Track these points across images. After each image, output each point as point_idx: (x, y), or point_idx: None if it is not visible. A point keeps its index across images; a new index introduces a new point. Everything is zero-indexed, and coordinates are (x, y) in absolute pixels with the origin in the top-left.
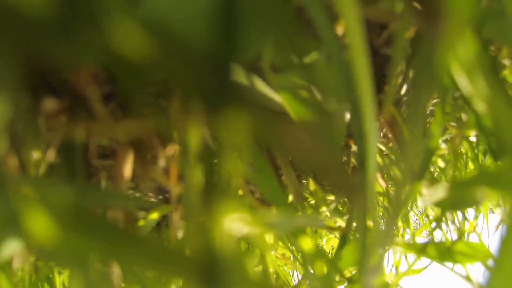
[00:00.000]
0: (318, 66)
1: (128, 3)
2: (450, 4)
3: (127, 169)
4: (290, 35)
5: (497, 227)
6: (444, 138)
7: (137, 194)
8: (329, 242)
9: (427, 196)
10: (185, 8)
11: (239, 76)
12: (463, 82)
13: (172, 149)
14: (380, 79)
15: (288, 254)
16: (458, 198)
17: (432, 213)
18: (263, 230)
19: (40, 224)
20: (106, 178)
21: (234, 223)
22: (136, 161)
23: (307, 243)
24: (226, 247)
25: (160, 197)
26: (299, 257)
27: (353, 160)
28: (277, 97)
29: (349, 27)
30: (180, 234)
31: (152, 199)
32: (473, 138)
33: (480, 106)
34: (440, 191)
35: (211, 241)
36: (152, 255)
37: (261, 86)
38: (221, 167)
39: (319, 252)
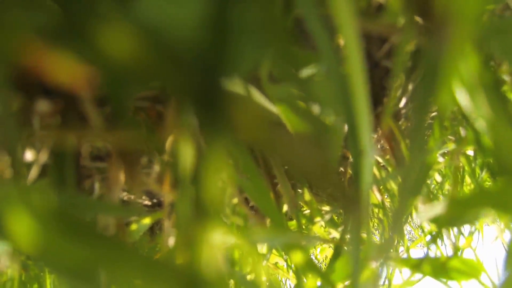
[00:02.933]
0: (316, 78)
1: (120, 6)
2: (453, 19)
3: (120, 176)
4: (287, 46)
5: (493, 242)
6: (441, 151)
7: (132, 196)
8: (323, 252)
9: (423, 212)
10: (177, 12)
11: (234, 85)
12: (464, 99)
13: (167, 156)
14: (380, 92)
15: (281, 262)
16: (456, 216)
17: (427, 226)
18: (253, 245)
19: (24, 228)
20: (100, 181)
21: (222, 239)
22: (126, 172)
23: (299, 257)
24: (211, 264)
25: (155, 200)
26: (292, 265)
27: (350, 170)
28: (274, 107)
29: (347, 40)
30: (171, 241)
31: (146, 202)
32: (470, 152)
33: (480, 123)
34: (437, 208)
35: (197, 257)
36: (139, 265)
37: (257, 96)
38: (212, 180)
39: (312, 265)
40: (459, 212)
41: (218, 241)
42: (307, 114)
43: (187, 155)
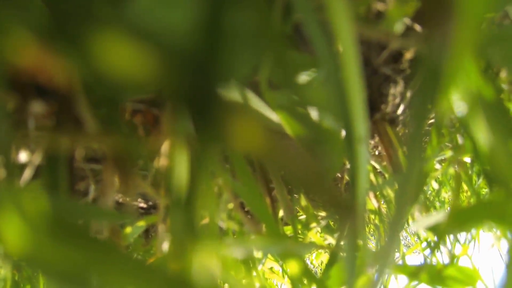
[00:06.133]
0: (314, 84)
1: (111, 9)
2: (455, 28)
3: (115, 180)
4: (284, 51)
5: (489, 249)
6: (438, 158)
7: (127, 198)
8: (319, 257)
9: (421, 221)
10: (170, 15)
11: (231, 91)
12: (463, 109)
13: (162, 160)
14: (378, 98)
15: (277, 267)
16: (455, 227)
17: (423, 233)
18: (247, 254)
19: (15, 231)
20: (95, 183)
21: (215, 247)
22: (121, 176)
23: (294, 264)
24: (203, 273)
25: (150, 203)
26: (288, 270)
27: (346, 176)
28: (273, 114)
29: (344, 46)
30: (166, 246)
31: (142, 204)
32: (467, 159)
33: (478, 134)
34: (434, 218)
35: (190, 265)
36: (131, 270)
37: (255, 102)
38: (207, 186)
39: (307, 271)
40: (459, 224)
41: (212, 249)
42: (307, 120)
43: (182, 160)
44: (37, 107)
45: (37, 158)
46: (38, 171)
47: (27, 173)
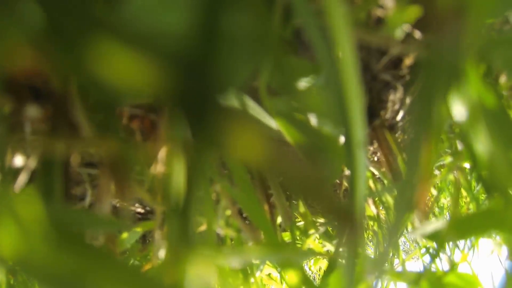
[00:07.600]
0: (313, 90)
1: (108, 12)
2: (457, 34)
3: (111, 186)
4: (283, 57)
5: (489, 255)
6: (437, 164)
7: (124, 203)
8: (317, 263)
9: (420, 228)
10: (166, 18)
11: (229, 97)
12: (463, 115)
13: (159, 166)
14: (377, 104)
15: (275, 273)
16: (456, 236)
17: (423, 240)
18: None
19: (9, 236)
20: (92, 188)
21: (211, 256)
22: (117, 183)
23: (292, 272)
24: (198, 282)
25: (147, 208)
26: (286, 277)
27: (345, 182)
28: (270, 119)
29: (342, 52)
30: (162, 253)
31: (139, 209)
32: (466, 165)
33: (478, 141)
34: (434, 225)
35: (185, 275)
36: (125, 278)
37: (254, 109)
38: (203, 193)
39: (306, 279)
40: (459, 233)
41: (209, 257)
42: (306, 127)
43: (179, 166)
44: (33, 111)
45: (33, 162)
46: (34, 175)
47: (22, 178)
